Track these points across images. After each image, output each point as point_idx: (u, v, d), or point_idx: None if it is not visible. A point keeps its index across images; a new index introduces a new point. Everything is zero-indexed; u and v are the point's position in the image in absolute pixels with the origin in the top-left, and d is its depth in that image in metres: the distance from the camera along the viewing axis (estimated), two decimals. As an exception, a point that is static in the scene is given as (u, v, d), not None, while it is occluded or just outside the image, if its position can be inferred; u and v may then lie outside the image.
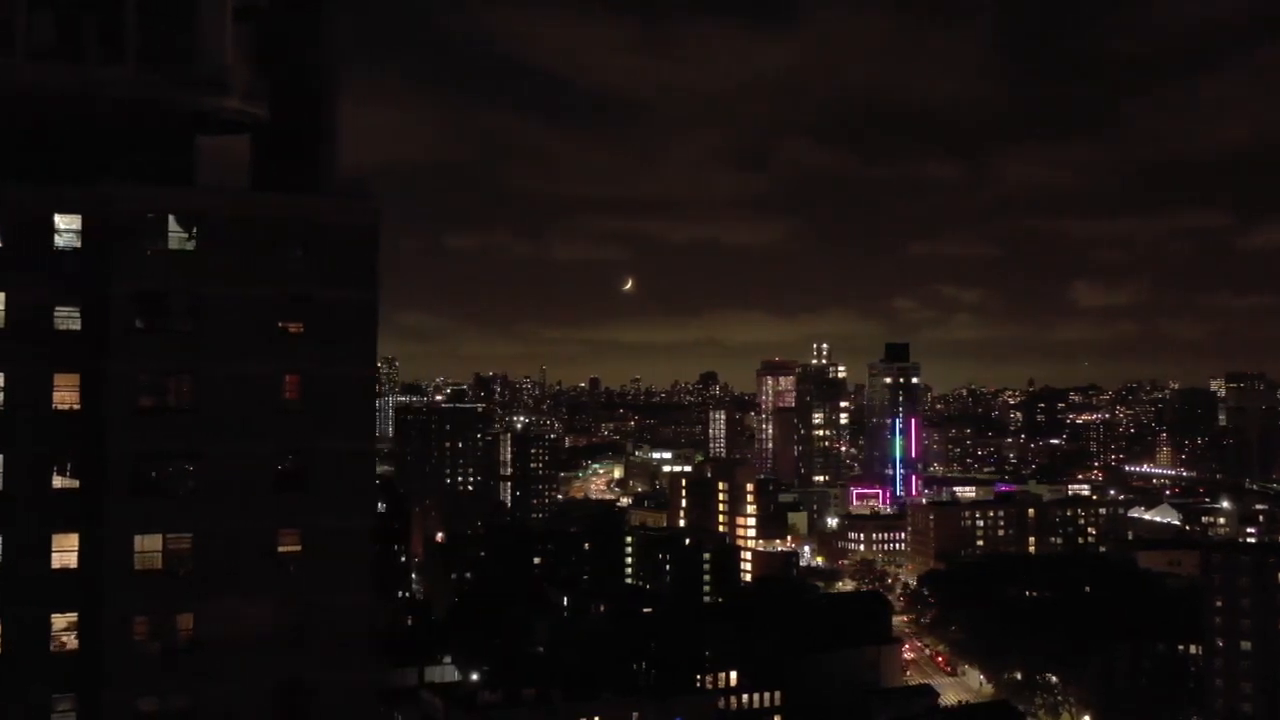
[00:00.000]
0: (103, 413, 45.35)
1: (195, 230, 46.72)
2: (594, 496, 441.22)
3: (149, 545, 45.54)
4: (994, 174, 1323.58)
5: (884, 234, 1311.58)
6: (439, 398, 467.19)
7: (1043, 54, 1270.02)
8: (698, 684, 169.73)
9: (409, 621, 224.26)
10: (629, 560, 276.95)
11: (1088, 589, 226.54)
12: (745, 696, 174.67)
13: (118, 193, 45.52)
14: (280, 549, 47.32)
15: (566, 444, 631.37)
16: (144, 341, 45.92)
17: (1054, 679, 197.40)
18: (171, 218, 46.52)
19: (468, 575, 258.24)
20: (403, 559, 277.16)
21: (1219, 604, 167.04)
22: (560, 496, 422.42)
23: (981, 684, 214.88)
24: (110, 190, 45.47)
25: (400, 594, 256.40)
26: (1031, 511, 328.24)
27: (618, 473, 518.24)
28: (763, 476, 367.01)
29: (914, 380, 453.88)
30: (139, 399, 45.82)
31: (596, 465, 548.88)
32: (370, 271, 49.23)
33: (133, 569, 45.32)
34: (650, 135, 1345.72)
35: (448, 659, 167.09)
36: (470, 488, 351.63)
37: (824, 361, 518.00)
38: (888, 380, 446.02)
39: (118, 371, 45.36)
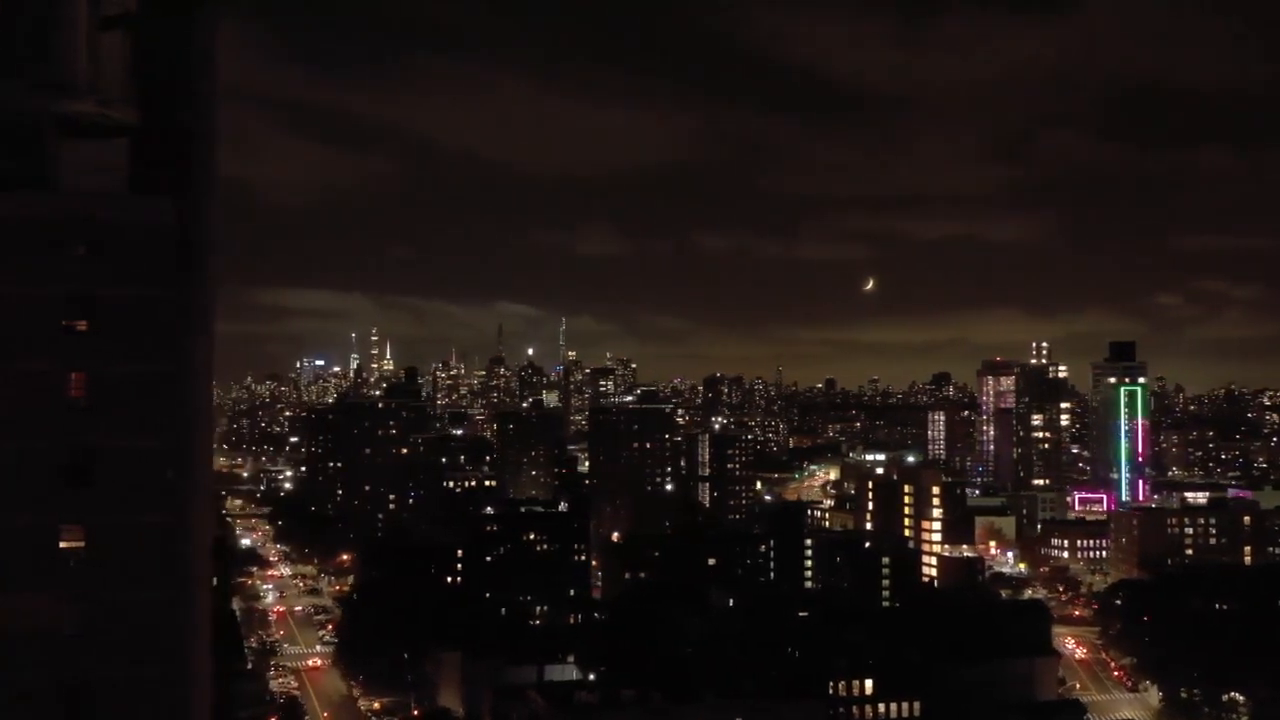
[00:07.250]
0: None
1: (-23, 231, 47.71)
2: (807, 498, 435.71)
3: (-78, 539, 46.59)
4: (1274, 162, 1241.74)
5: (1152, 227, 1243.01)
6: (628, 399, 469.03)
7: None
8: (830, 690, 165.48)
9: (572, 620, 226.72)
10: (808, 562, 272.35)
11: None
12: (881, 705, 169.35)
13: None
14: (63, 544, 47.76)
15: (790, 445, 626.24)
16: (-80, 340, 46.99)
17: (1234, 698, 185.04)
18: (-48, 219, 47.62)
19: (642, 575, 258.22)
20: (582, 557, 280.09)
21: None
22: (769, 498, 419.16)
23: (1160, 701, 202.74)
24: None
25: (571, 592, 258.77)
26: (1247, 519, 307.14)
27: (834, 474, 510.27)
28: (949, 480, 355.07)
29: (1140, 379, 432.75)
30: (-85, 396, 46.94)
31: (815, 467, 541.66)
32: (165, 269, 49.23)
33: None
34: (905, 130, 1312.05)
35: (570, 658, 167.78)
36: (665, 488, 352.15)
37: (1044, 361, 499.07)
38: (1111, 380, 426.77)
39: (-106, 369, 46.59)
